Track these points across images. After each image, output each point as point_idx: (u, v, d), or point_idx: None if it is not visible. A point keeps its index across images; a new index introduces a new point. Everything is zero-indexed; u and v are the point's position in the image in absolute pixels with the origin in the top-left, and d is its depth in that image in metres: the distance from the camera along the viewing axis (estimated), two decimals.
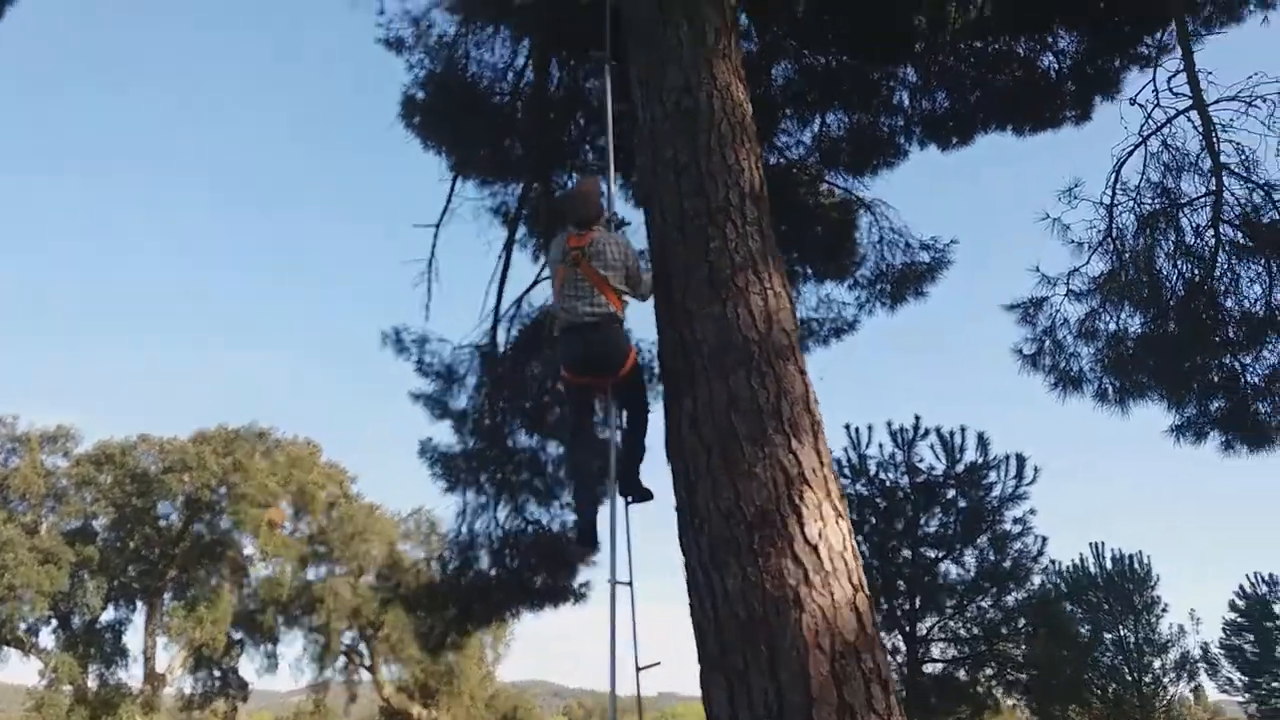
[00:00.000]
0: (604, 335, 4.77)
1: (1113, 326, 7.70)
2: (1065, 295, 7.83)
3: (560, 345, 4.95)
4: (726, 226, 4.72)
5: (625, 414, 5.04)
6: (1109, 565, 23.33)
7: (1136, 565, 23.26)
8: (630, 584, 4.73)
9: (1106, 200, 7.55)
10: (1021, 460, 14.59)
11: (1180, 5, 7.56)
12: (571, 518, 11.61)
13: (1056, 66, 11.36)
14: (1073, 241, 7.74)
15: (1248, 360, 8.13)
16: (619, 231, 5.26)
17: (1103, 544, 23.99)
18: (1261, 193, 7.46)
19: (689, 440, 4.39)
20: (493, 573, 11.36)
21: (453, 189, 11.56)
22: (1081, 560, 23.85)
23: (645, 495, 4.97)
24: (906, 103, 12.38)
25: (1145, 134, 7.43)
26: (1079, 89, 11.36)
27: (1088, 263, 7.73)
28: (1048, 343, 7.89)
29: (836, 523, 4.16)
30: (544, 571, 11.39)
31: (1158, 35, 10.61)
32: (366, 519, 36.57)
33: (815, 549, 4.02)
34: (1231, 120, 7.34)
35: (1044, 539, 14.87)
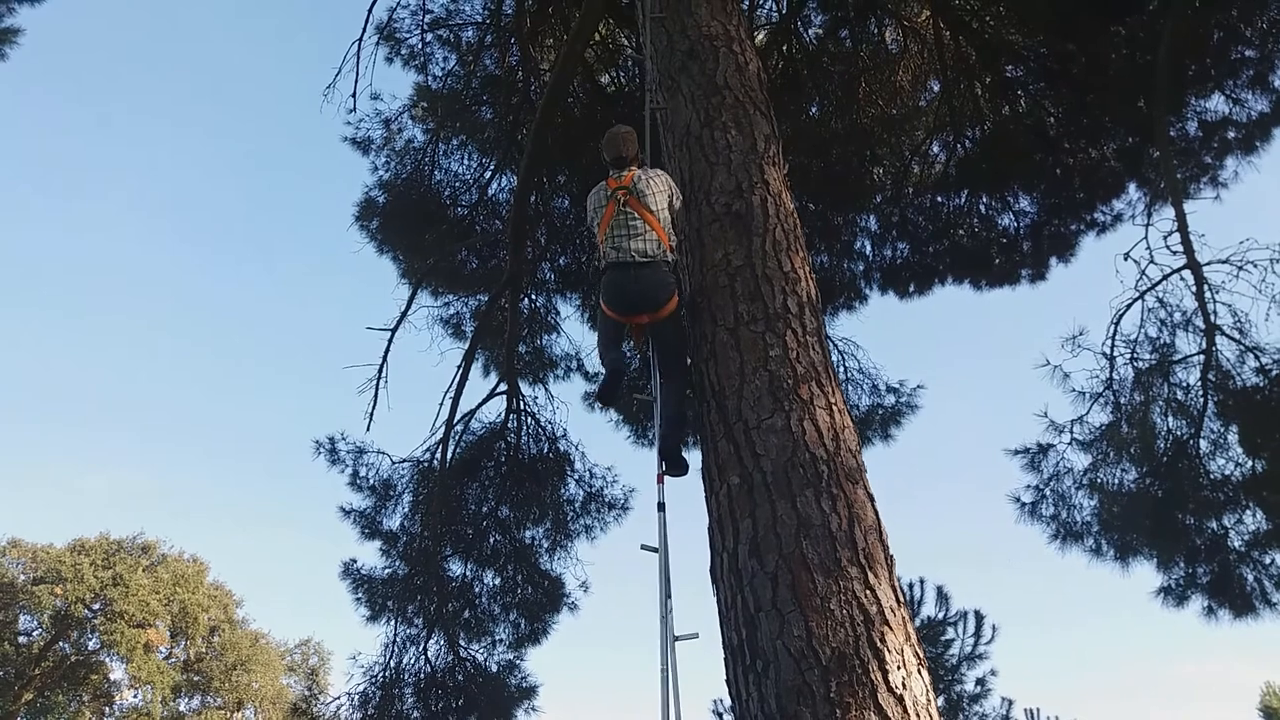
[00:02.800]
0: (652, 274, 4.68)
1: (1114, 480, 7.53)
2: (1070, 443, 7.66)
3: (604, 283, 4.83)
4: (786, 334, 4.36)
5: (659, 359, 4.85)
6: None
7: None
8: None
9: (1107, 350, 7.50)
10: (980, 617, 14.21)
11: (1170, 169, 7.72)
12: (509, 656, 10.83)
13: (1015, 225, 11.72)
14: (1074, 390, 7.64)
15: (1230, 524, 8.01)
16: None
17: (1038, 710, 23.43)
18: (1251, 356, 7.50)
19: (748, 567, 3.86)
20: (415, 715, 10.45)
21: (413, 296, 11.19)
22: None
23: (682, 469, 4.68)
24: (868, 249, 12.60)
25: (1141, 290, 7.46)
26: (1035, 249, 11.70)
27: (1088, 412, 7.62)
28: (1049, 492, 7.67)
29: (919, 671, 3.67)
30: (474, 716, 10.52)
31: (1112, 203, 11.06)
32: (250, 648, 33.96)
33: (900, 700, 3.51)
34: (1223, 282, 7.42)
35: (1010, 701, 14.33)
